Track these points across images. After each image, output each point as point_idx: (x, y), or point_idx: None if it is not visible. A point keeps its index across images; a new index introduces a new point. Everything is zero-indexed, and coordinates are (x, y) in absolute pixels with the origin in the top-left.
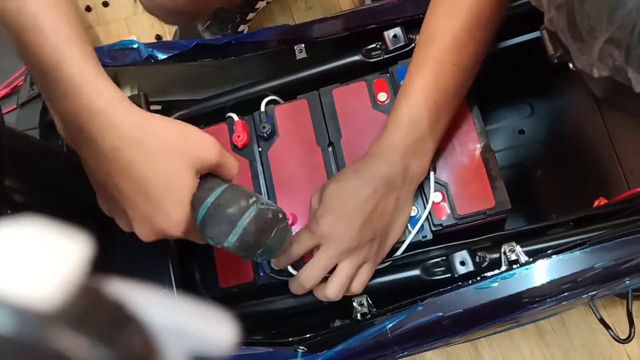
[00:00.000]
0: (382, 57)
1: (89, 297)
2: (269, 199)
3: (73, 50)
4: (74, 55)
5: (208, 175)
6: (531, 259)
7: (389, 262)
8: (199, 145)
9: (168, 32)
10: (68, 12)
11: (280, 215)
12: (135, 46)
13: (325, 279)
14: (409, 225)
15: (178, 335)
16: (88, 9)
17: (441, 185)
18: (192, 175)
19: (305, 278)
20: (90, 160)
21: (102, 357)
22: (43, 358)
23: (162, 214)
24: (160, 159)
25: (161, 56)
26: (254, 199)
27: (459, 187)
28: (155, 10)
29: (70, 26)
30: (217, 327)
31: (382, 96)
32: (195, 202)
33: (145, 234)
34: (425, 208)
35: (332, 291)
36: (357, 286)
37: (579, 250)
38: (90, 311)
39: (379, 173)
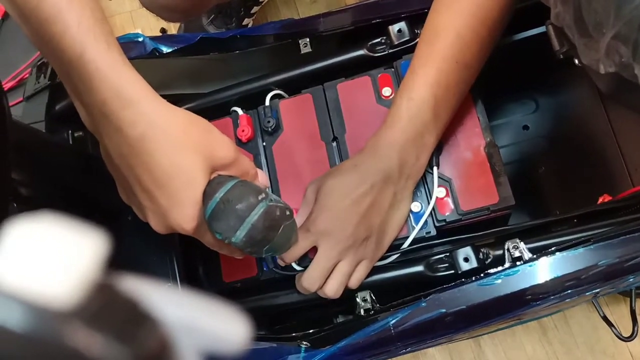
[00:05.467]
0: (386, 52)
1: (105, 294)
2: (272, 193)
3: (98, 41)
4: (99, 45)
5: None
6: (535, 256)
7: (392, 258)
8: (220, 145)
9: (173, 26)
10: (91, 3)
11: (288, 212)
12: (140, 39)
13: None
14: (412, 220)
15: (191, 332)
16: None
17: (445, 181)
18: (209, 174)
19: (309, 283)
20: (113, 150)
21: (117, 355)
22: (59, 355)
23: (177, 209)
24: (183, 154)
25: (166, 50)
26: (263, 195)
27: (463, 182)
28: (151, 5)
29: (95, 17)
30: (230, 324)
31: (386, 91)
32: (205, 197)
33: (158, 226)
34: (429, 203)
35: (330, 289)
36: (354, 282)
37: (583, 247)
38: (106, 308)
39: (375, 168)
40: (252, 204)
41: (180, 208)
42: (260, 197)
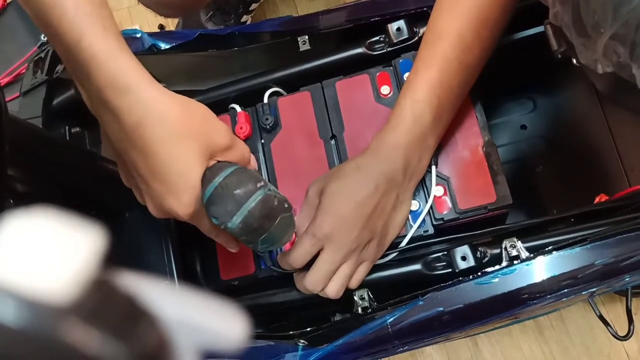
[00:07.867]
0: (385, 50)
1: (102, 290)
2: None
3: (95, 27)
4: (96, 31)
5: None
6: (532, 255)
7: (390, 257)
8: (217, 131)
9: (171, 22)
10: None
11: (286, 205)
12: (138, 35)
13: None
14: (410, 219)
15: (190, 329)
16: None
17: (443, 179)
18: (206, 160)
19: (313, 285)
20: (112, 135)
21: (115, 351)
22: (56, 352)
23: (173, 196)
24: (180, 142)
25: (164, 46)
26: (262, 183)
27: (461, 181)
28: (149, 1)
29: (93, 2)
30: (228, 322)
31: (385, 89)
32: (204, 182)
33: (155, 211)
34: (427, 202)
35: (332, 290)
36: (355, 283)
37: (580, 246)
38: (104, 305)
39: (379, 170)
40: (250, 190)
41: (176, 195)
42: (258, 185)
